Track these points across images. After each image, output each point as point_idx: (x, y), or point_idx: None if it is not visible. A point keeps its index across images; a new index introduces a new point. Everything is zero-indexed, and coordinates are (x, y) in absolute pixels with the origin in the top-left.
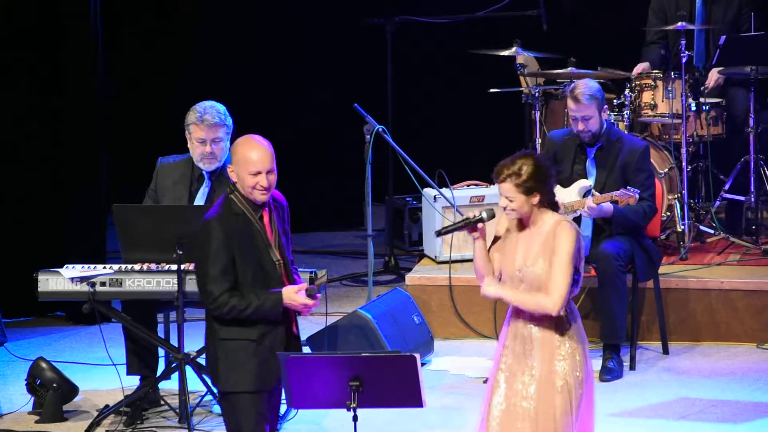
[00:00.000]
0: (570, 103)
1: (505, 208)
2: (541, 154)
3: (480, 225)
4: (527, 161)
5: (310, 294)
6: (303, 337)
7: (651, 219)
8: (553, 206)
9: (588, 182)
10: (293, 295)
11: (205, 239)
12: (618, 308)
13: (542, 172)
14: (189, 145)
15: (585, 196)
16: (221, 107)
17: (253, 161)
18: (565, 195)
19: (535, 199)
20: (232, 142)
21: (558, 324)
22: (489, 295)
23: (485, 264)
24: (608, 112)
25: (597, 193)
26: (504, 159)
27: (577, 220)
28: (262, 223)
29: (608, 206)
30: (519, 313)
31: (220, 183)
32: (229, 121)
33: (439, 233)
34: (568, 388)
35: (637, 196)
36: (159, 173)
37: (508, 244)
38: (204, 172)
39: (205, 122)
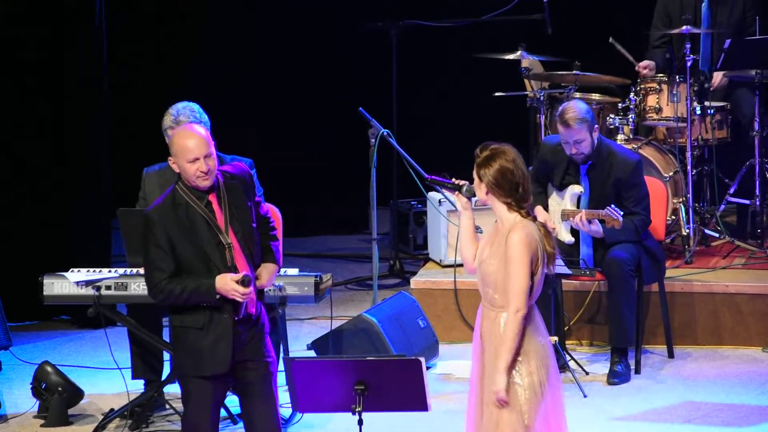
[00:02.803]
0: (560, 128)
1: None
2: (518, 158)
3: (456, 193)
4: (496, 157)
5: (243, 282)
6: (308, 341)
7: (644, 231)
8: (517, 210)
9: (579, 188)
10: (227, 280)
11: (146, 231)
12: (627, 313)
13: (500, 176)
14: None
15: (578, 201)
16: (195, 106)
17: (189, 148)
18: (560, 201)
19: (483, 188)
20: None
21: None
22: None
23: (469, 240)
24: (598, 128)
25: (584, 211)
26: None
27: (576, 230)
28: (211, 208)
29: (598, 227)
30: (481, 315)
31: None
32: (205, 117)
33: (427, 181)
34: (531, 386)
35: (621, 219)
36: (146, 182)
37: (488, 235)
38: None
39: (181, 123)
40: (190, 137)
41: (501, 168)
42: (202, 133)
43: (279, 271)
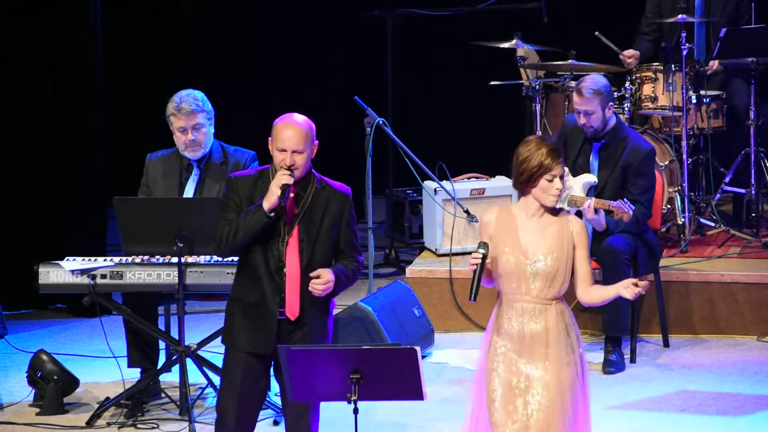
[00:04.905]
0: (574, 96)
1: (559, 190)
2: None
3: (487, 260)
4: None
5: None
6: None
7: (644, 224)
8: None
9: (593, 178)
10: (272, 184)
11: (224, 195)
12: (623, 302)
13: None
14: (173, 136)
15: (588, 191)
16: (199, 94)
17: (282, 138)
18: (571, 185)
19: None
20: (266, 123)
21: (564, 315)
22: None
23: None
24: (613, 110)
25: (594, 198)
26: (544, 140)
27: (578, 216)
28: (285, 198)
29: (602, 219)
30: (516, 313)
31: (209, 171)
32: (208, 106)
33: (475, 299)
34: (579, 376)
35: (632, 213)
36: (149, 168)
37: (504, 241)
38: (192, 162)
39: (183, 111)
40: (289, 128)
41: None
42: (304, 127)
43: (335, 286)
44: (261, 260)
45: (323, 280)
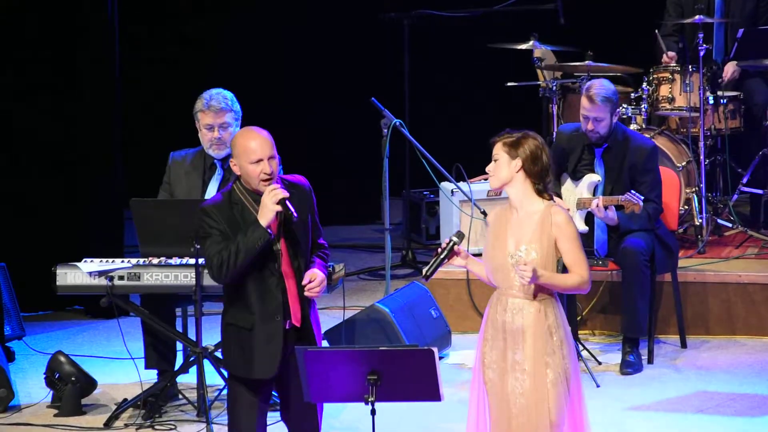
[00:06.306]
0: (584, 102)
1: (489, 173)
2: (545, 144)
3: (456, 248)
4: (528, 137)
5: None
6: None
7: (656, 219)
8: (543, 195)
9: (597, 177)
10: (265, 199)
11: (201, 226)
12: (641, 303)
13: (536, 152)
14: (199, 134)
15: (595, 190)
16: (228, 93)
17: (253, 149)
18: (575, 190)
19: (517, 164)
20: None
21: (547, 315)
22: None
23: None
24: (620, 114)
25: (601, 197)
26: (521, 131)
27: (591, 217)
28: (290, 210)
29: (613, 214)
30: (501, 307)
31: (232, 170)
32: (237, 106)
33: (427, 276)
34: (562, 379)
35: (642, 203)
36: (171, 166)
37: (495, 236)
38: (216, 161)
39: (212, 108)
40: (253, 138)
41: (537, 147)
42: (266, 134)
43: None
44: (254, 280)
45: (318, 281)
